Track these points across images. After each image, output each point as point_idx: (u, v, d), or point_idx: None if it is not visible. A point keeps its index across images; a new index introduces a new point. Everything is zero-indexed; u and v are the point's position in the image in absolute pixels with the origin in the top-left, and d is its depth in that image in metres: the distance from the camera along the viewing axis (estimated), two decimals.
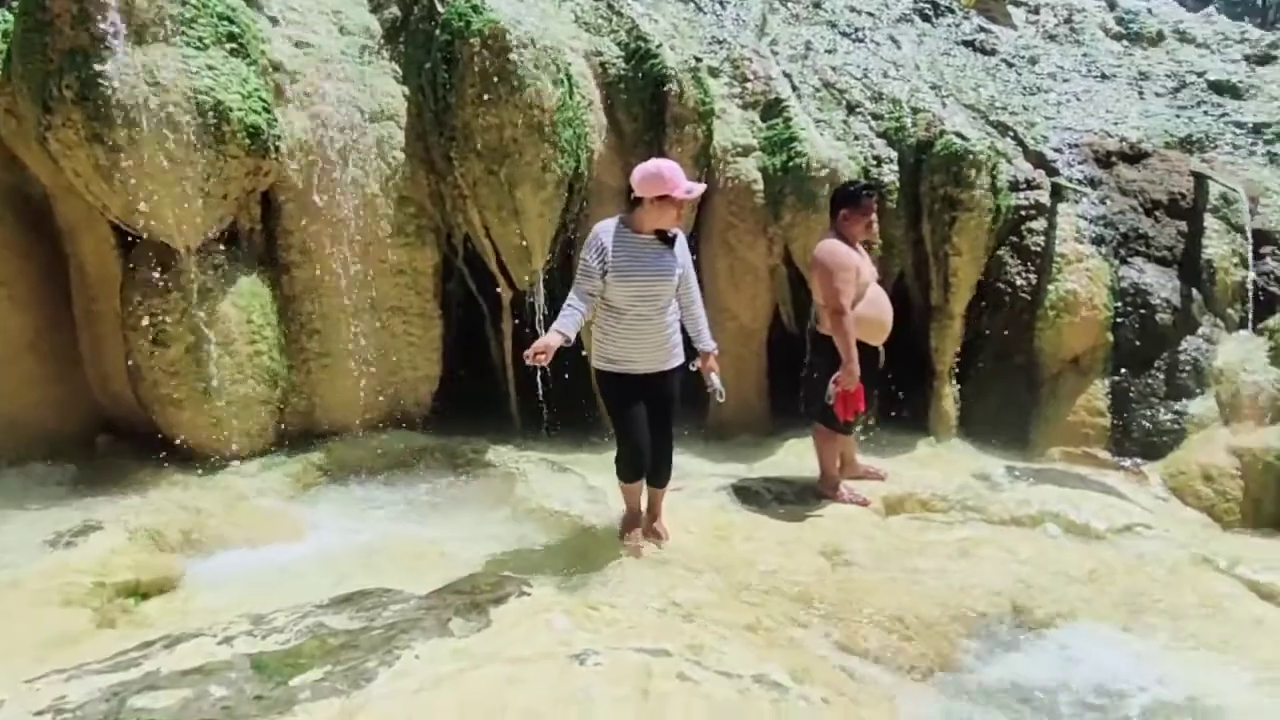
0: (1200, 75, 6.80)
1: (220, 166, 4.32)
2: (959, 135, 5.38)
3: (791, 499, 4.81)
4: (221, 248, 4.54)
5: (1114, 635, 3.64)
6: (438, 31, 4.79)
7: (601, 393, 3.73)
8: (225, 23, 4.44)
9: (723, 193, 5.45)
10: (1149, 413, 5.60)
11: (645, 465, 3.68)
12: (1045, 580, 4.03)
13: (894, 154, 5.60)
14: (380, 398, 4.94)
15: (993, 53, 6.77)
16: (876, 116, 5.72)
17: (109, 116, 4.08)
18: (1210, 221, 5.82)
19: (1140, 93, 6.66)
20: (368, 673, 2.58)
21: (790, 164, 5.28)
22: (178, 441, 4.46)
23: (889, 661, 3.37)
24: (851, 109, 5.75)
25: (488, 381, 5.49)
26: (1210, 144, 6.24)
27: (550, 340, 3.24)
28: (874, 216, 4.52)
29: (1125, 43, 7.43)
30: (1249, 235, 5.64)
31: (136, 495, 4.23)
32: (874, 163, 5.58)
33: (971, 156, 5.34)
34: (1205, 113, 6.47)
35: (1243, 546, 4.75)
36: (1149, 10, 7.76)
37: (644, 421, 3.59)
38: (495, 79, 4.62)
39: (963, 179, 5.36)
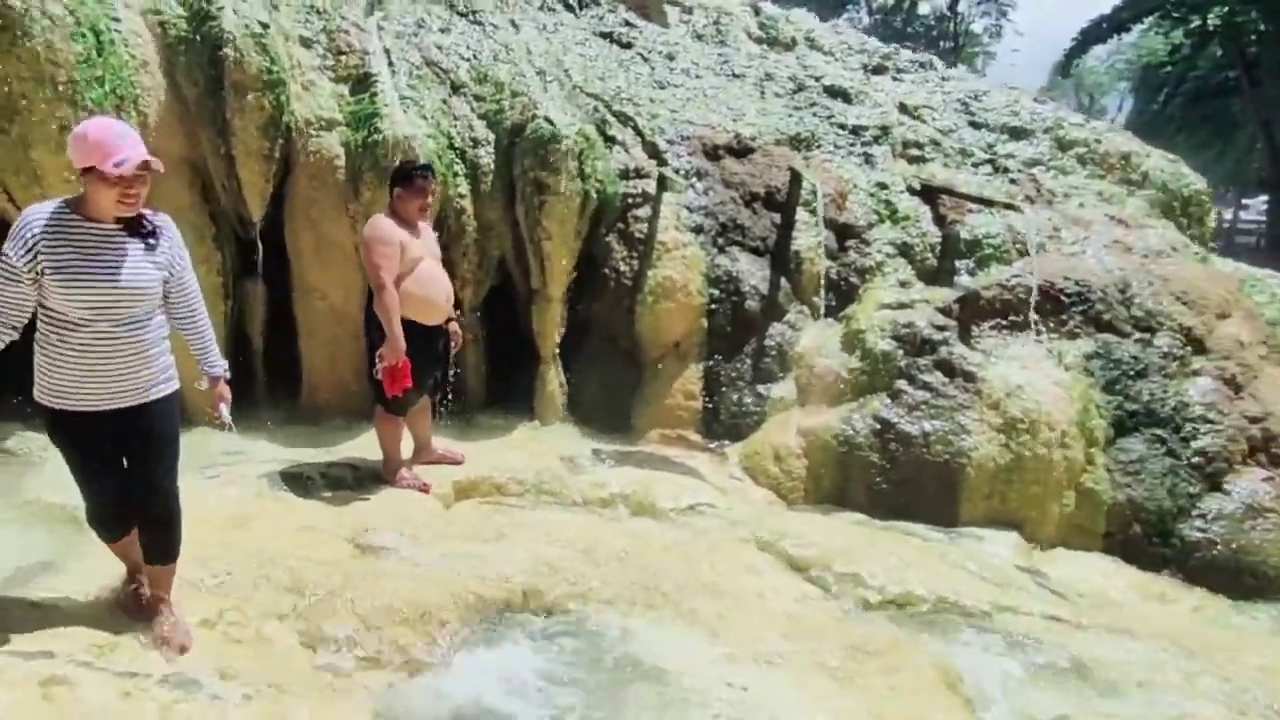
0: (818, 80, 7.48)
1: None
2: (548, 120, 5.58)
3: (349, 485, 4.69)
4: None
5: (611, 616, 3.76)
6: None
7: (51, 437, 2.83)
8: None
9: (304, 167, 5.29)
10: (735, 396, 6.04)
11: (117, 525, 2.97)
12: (571, 562, 4.14)
13: (492, 136, 5.76)
14: None
15: (629, 46, 7.12)
16: (480, 98, 5.81)
17: None
18: (801, 215, 6.38)
19: (763, 92, 7.22)
20: None
21: (370, 140, 5.27)
22: None
23: (363, 653, 3.31)
24: (456, 89, 5.81)
25: None
26: (815, 143, 6.86)
27: None
28: (429, 197, 4.57)
29: (764, 46, 8.04)
30: (821, 227, 6.27)
31: None
32: (472, 144, 5.66)
33: (559, 142, 5.57)
34: (815, 114, 7.11)
35: (796, 522, 5.09)
36: (787, 18, 8.49)
37: (112, 473, 2.86)
38: None
39: (549, 164, 5.53)
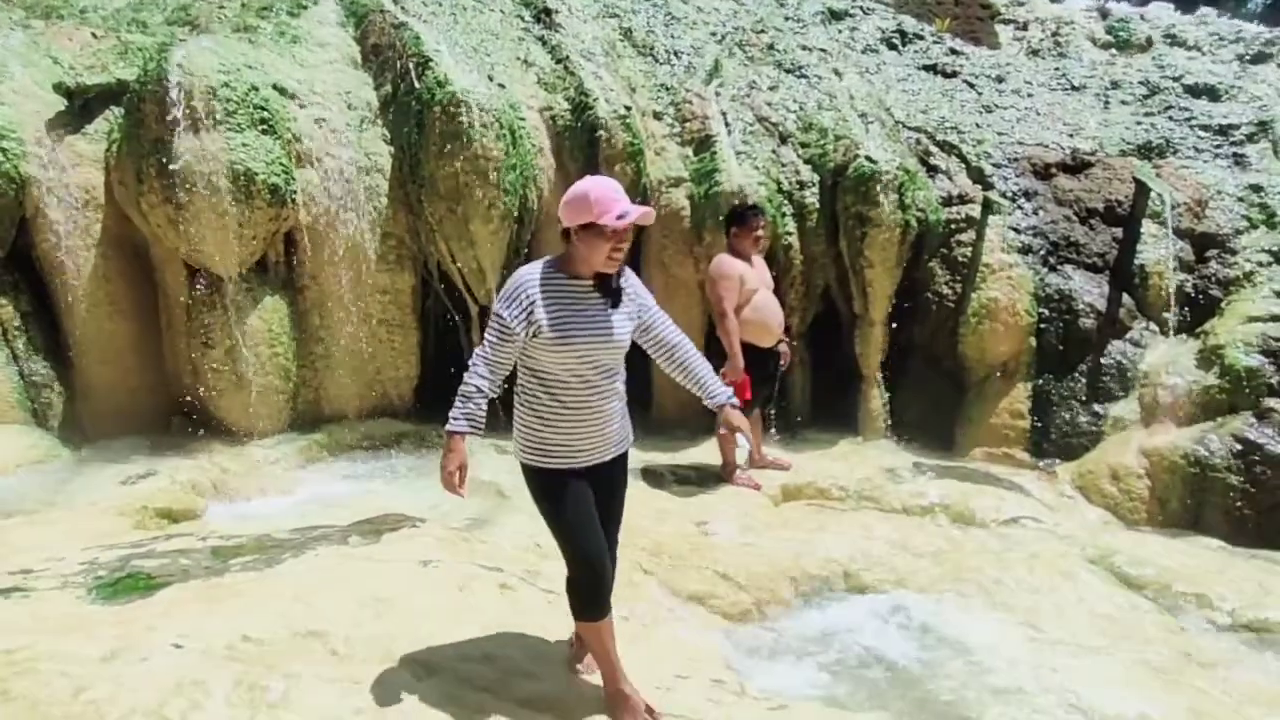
0: (1177, 80, 6.57)
1: (249, 215, 5.60)
2: (868, 159, 5.76)
3: (693, 481, 5.29)
4: (255, 274, 5.96)
5: (925, 599, 3.98)
6: (413, 103, 5.96)
7: (537, 495, 2.65)
8: (259, 110, 5.80)
9: (657, 220, 6.18)
10: (1068, 415, 5.63)
11: (609, 591, 2.66)
12: (887, 554, 4.40)
13: (816, 178, 6.07)
14: (370, 392, 6.06)
15: (954, 75, 6.93)
16: (805, 145, 6.16)
17: (174, 185, 5.56)
18: (1148, 227, 5.75)
19: (1106, 103, 6.54)
20: (279, 560, 3.56)
21: (710, 191, 5.90)
22: (220, 421, 5.90)
23: (710, 604, 3.90)
24: (784, 139, 6.24)
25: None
26: (1170, 149, 6.09)
27: (455, 455, 2.51)
28: (760, 233, 5.10)
29: (1112, 51, 7.25)
30: (1171, 239, 5.54)
31: (186, 458, 5.50)
32: (798, 186, 6.04)
33: (878, 177, 5.71)
34: (1170, 118, 6.28)
35: (1132, 542, 4.79)
36: (1140, 16, 7.49)
37: (599, 531, 2.61)
38: (451, 137, 5.63)
39: (870, 198, 5.71)
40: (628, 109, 6.02)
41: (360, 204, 5.99)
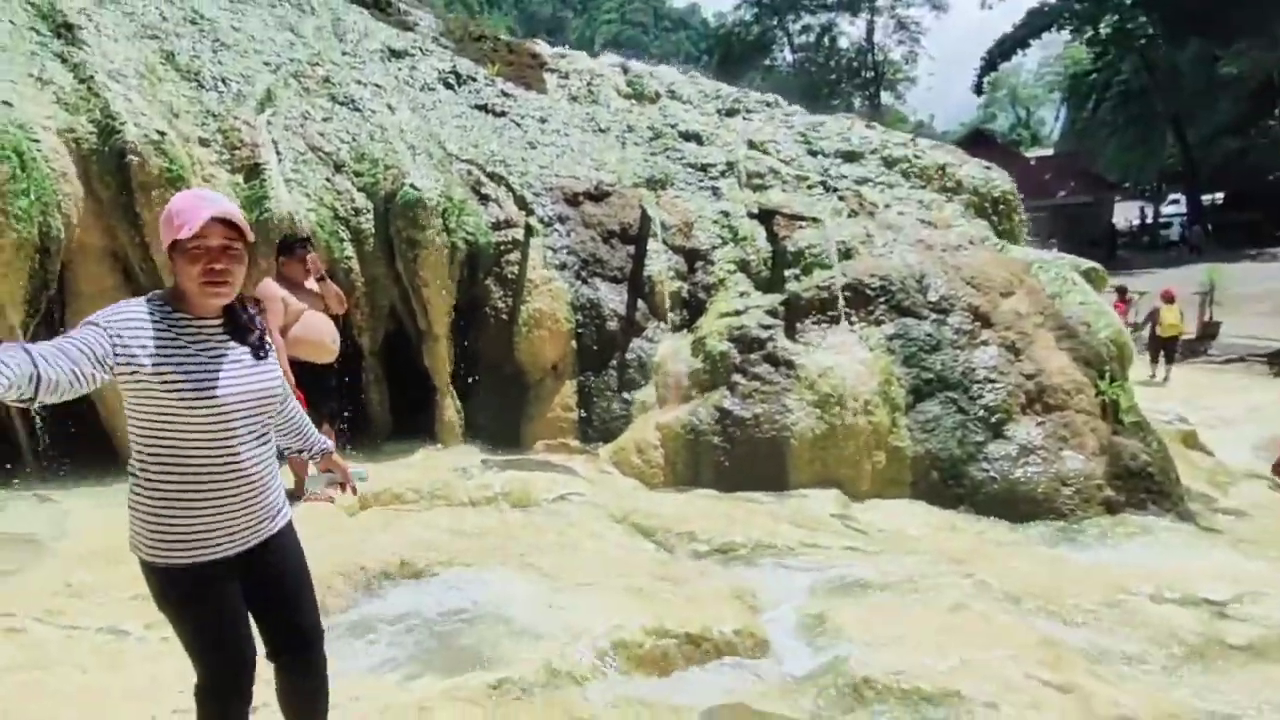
0: (674, 126, 8.05)
1: None
2: (413, 186, 6.15)
3: None
4: None
5: (470, 573, 4.31)
6: None
7: (165, 601, 2.06)
8: None
9: None
10: (605, 404, 6.54)
11: (246, 692, 2.14)
12: (444, 541, 4.68)
13: (370, 204, 6.32)
14: None
15: (504, 114, 7.70)
16: (359, 174, 6.38)
17: None
18: (652, 245, 6.92)
19: (624, 143, 7.77)
20: None
21: (261, 218, 5.84)
22: None
23: None
24: (338, 167, 6.40)
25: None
26: (669, 182, 7.40)
27: None
28: (309, 261, 5.17)
29: (632, 100, 8.64)
30: (668, 254, 6.78)
31: None
32: (354, 212, 6.23)
33: (424, 203, 6.14)
34: (668, 157, 7.67)
35: (649, 501, 5.63)
36: (651, 74, 9.09)
37: (247, 632, 2.12)
38: None
39: (418, 223, 6.13)
40: (162, 134, 5.70)
41: None
